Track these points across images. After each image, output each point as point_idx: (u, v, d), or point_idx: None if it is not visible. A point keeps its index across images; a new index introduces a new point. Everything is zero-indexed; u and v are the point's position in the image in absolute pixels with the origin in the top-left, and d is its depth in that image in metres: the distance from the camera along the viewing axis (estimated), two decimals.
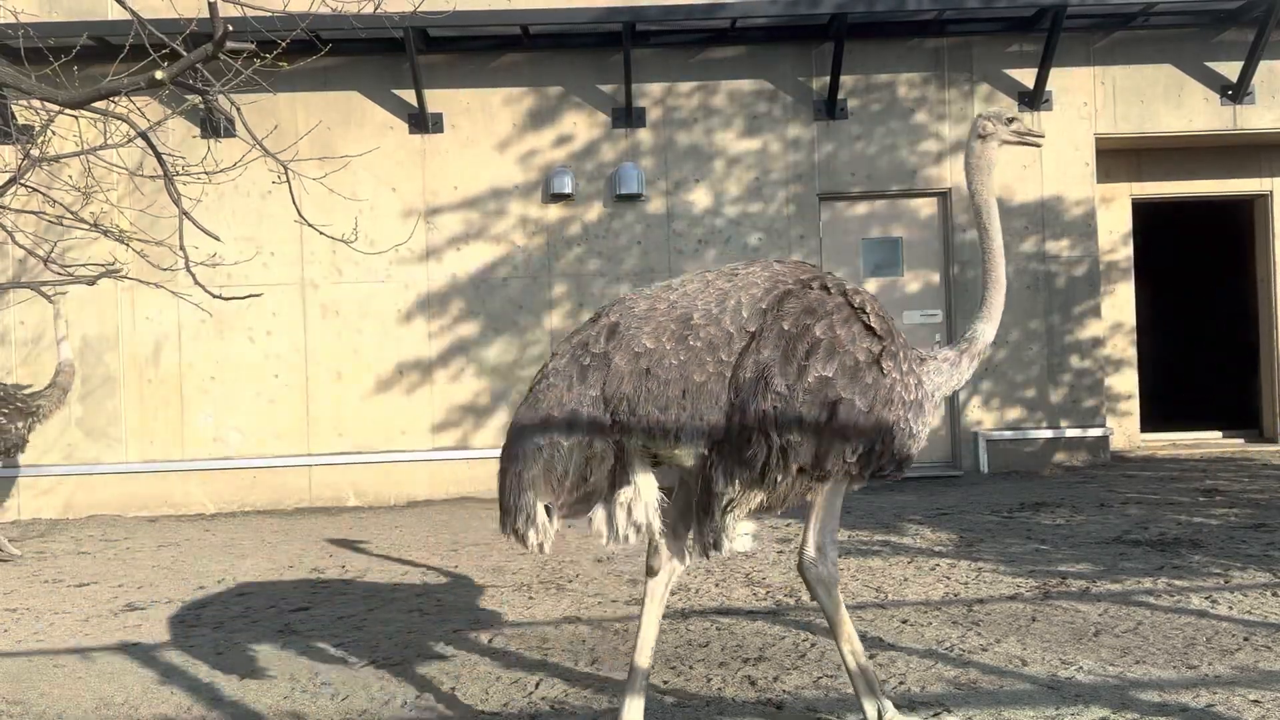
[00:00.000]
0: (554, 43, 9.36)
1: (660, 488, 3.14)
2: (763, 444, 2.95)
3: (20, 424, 6.95)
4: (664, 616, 4.89)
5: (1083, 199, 9.43)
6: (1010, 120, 3.60)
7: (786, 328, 3.01)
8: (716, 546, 3.08)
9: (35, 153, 7.07)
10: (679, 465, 3.15)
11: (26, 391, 7.16)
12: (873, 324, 3.11)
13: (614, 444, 2.97)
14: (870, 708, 3.23)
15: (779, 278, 3.15)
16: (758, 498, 3.07)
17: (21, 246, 7.58)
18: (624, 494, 3.05)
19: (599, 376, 2.97)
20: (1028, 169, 9.40)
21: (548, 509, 2.94)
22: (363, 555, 6.76)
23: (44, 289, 7.73)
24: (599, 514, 3.08)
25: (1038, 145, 3.81)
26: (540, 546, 2.95)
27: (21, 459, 9.03)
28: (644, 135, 9.37)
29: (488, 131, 9.35)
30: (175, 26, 6.85)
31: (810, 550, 3.25)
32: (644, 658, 3.21)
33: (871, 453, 3.09)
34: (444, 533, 7.52)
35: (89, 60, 7.95)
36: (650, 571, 3.27)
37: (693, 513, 3.14)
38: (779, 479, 3.01)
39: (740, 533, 3.12)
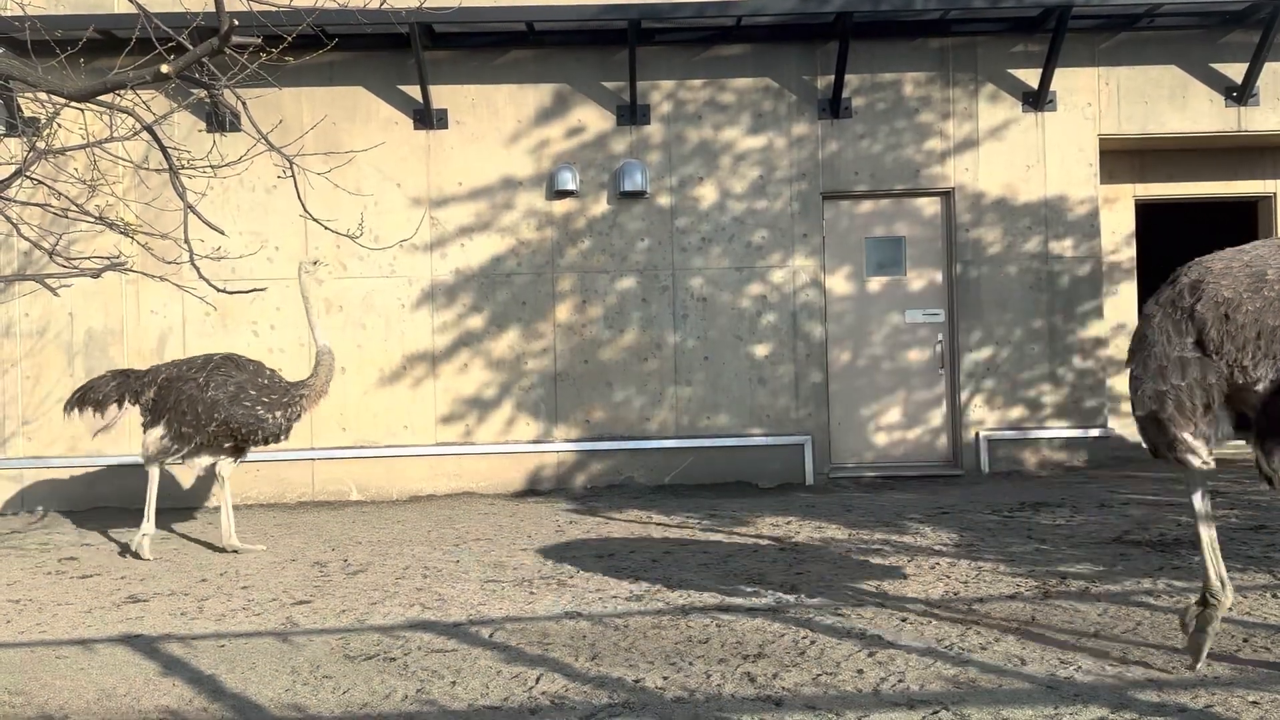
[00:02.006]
0: (559, 39, 9.36)
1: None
2: None
3: (279, 414, 6.74)
4: (663, 613, 4.92)
5: (1086, 199, 9.43)
6: None
7: None
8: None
9: (41, 145, 7.08)
10: (1252, 399, 3.67)
11: (289, 382, 6.95)
12: None
13: (1219, 378, 3.62)
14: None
15: None
16: None
17: (26, 239, 7.59)
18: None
19: (1189, 327, 3.64)
20: (1031, 169, 9.41)
21: (1190, 436, 3.69)
22: (361, 548, 6.78)
23: (49, 281, 7.74)
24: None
25: None
26: (1205, 463, 3.75)
27: (27, 450, 9.08)
28: (649, 132, 9.38)
29: (493, 128, 9.36)
30: (181, 20, 6.86)
31: None
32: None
33: None
34: (446, 528, 7.55)
35: (95, 53, 7.97)
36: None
37: (1260, 439, 3.72)
38: None
39: None
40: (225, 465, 6.94)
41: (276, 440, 6.90)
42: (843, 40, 8.95)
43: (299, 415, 6.87)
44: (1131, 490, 8.06)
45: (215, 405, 6.64)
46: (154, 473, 6.82)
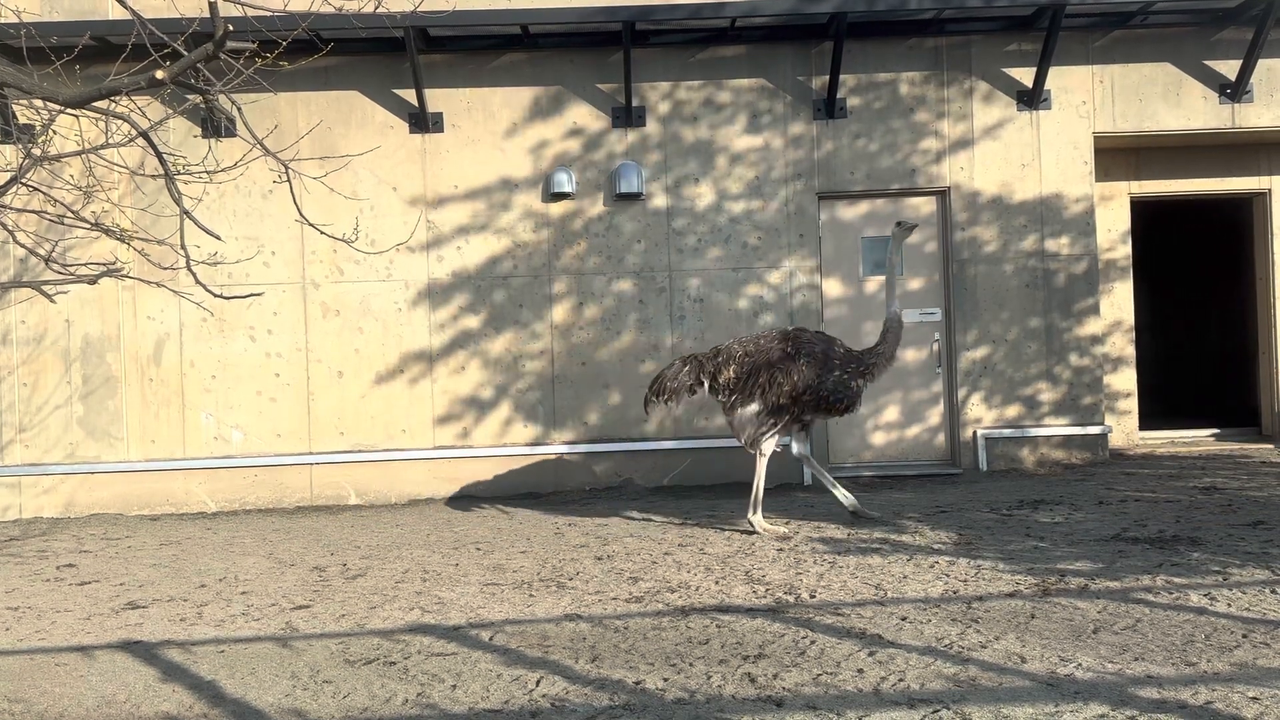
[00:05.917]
0: (554, 42, 9.37)
1: None
2: None
3: (860, 382, 6.85)
4: (662, 614, 4.92)
5: (1081, 197, 9.45)
6: None
7: None
8: None
9: (36, 152, 7.08)
10: None
11: (859, 350, 7.04)
12: None
13: None
14: None
15: None
16: None
17: (23, 246, 7.59)
18: None
19: None
20: (1027, 167, 9.42)
21: None
22: (360, 553, 6.77)
23: (45, 288, 7.74)
24: None
25: None
26: None
27: (24, 458, 9.07)
28: (645, 134, 9.39)
29: (488, 130, 9.36)
30: (176, 26, 6.87)
31: None
32: None
33: None
34: (445, 531, 7.54)
35: (90, 60, 7.96)
36: None
37: None
38: None
39: None
40: (799, 440, 7.04)
41: (852, 410, 6.95)
42: (837, 40, 8.96)
43: (867, 384, 6.98)
44: (1129, 487, 8.07)
45: (808, 375, 6.68)
46: (758, 453, 6.89)
